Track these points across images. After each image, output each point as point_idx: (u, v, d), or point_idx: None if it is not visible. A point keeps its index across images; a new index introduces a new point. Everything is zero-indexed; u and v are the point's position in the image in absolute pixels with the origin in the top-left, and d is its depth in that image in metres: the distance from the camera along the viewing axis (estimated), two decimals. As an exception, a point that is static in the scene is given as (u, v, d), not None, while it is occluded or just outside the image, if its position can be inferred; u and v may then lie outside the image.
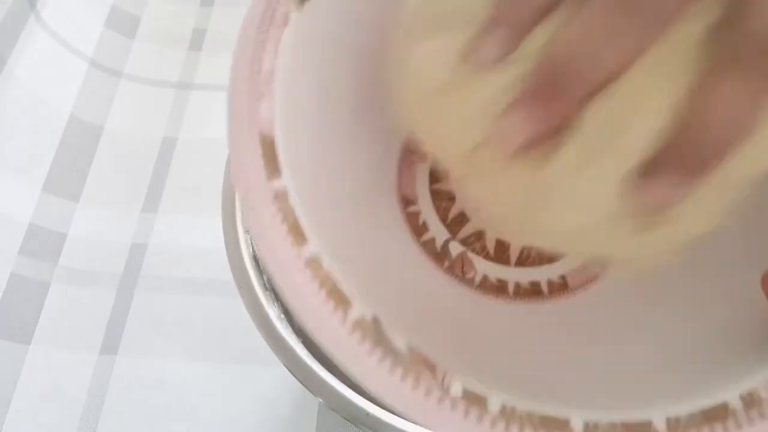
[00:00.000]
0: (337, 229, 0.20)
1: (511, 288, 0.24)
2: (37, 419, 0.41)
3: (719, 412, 0.16)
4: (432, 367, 0.17)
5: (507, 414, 0.16)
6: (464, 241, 0.26)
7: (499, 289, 0.25)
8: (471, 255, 0.25)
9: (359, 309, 0.18)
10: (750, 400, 0.15)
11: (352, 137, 0.24)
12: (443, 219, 0.26)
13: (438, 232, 0.26)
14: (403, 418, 0.18)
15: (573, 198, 0.18)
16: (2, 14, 0.48)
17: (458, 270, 0.25)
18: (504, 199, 0.20)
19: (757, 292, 0.19)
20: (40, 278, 0.45)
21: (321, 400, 0.20)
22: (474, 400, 0.16)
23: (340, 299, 0.18)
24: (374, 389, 0.17)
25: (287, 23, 0.20)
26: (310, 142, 0.21)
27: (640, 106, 0.17)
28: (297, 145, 0.20)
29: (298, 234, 0.18)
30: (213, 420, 0.41)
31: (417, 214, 0.26)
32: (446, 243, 0.26)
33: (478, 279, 0.25)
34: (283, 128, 0.19)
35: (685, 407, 0.16)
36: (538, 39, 0.17)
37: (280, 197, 0.18)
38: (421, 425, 0.16)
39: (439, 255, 0.25)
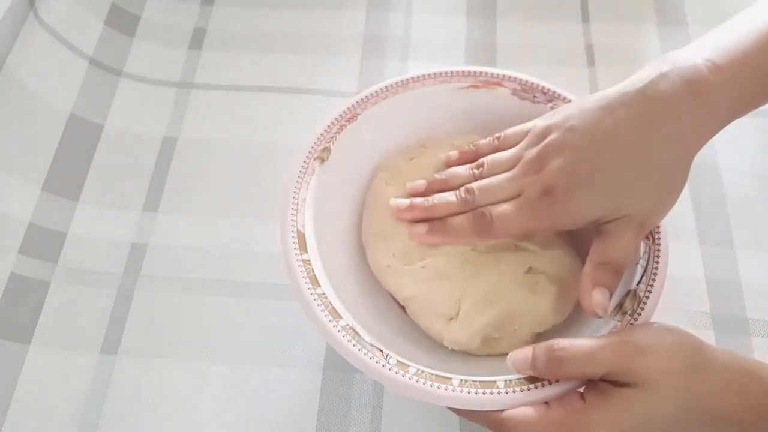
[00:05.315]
0: (336, 281, 0.36)
1: None
2: (37, 419, 0.41)
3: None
4: (381, 351, 0.32)
5: (418, 373, 0.31)
6: None
7: None
8: None
9: (345, 320, 0.33)
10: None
11: (341, 225, 0.41)
12: None
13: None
14: (366, 374, 0.32)
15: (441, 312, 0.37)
16: (1, 13, 0.48)
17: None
18: (425, 322, 0.37)
19: None
20: (40, 278, 0.45)
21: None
22: (402, 366, 0.32)
23: (335, 314, 0.33)
24: (352, 360, 0.32)
25: (314, 173, 0.38)
26: (327, 236, 0.37)
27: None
28: (317, 238, 0.36)
29: (314, 281, 0.34)
30: (213, 419, 0.41)
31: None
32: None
33: None
34: (309, 229, 0.36)
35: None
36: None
37: (306, 262, 0.35)
38: (376, 379, 0.32)
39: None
